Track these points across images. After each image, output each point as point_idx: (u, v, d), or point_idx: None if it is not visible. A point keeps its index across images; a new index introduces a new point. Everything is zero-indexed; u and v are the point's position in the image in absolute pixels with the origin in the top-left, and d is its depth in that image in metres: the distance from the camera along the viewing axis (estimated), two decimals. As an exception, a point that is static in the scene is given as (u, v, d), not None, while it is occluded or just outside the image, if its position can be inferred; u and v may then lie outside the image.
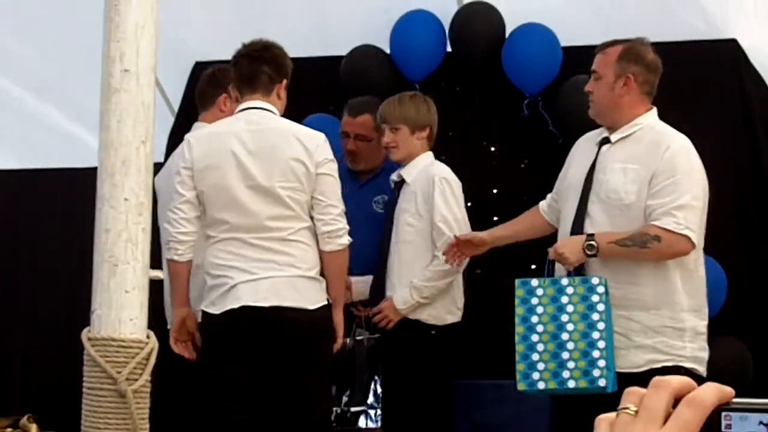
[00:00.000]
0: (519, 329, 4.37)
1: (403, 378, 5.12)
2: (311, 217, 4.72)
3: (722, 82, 5.98)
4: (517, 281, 4.45)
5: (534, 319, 4.35)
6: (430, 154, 5.31)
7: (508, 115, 6.24)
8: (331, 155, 4.75)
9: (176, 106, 6.74)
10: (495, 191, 6.25)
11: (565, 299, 4.33)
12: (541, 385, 4.30)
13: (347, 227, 4.75)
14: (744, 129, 5.92)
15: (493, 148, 6.26)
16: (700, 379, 1.03)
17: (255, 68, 4.80)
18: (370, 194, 5.68)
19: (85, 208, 4.00)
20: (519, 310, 4.39)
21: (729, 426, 1.01)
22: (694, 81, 5.96)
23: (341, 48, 6.35)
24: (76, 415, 3.56)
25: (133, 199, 3.53)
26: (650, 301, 4.41)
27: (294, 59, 5.30)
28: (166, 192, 4.98)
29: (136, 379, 3.48)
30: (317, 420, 4.71)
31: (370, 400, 5.31)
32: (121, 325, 3.49)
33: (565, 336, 4.30)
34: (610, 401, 4.11)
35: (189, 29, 6.53)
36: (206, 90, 5.30)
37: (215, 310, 4.63)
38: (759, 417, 1.01)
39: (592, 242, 4.37)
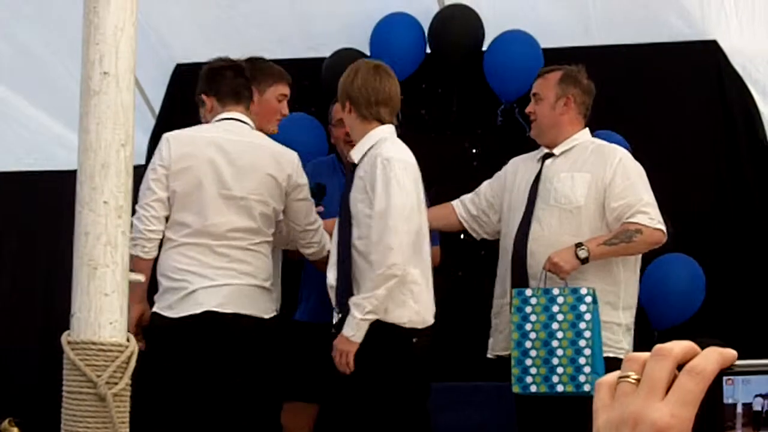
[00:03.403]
0: (514, 335, 4.63)
1: (378, 381, 4.65)
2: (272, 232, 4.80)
3: (702, 83, 5.99)
4: (513, 291, 4.69)
5: (528, 326, 4.60)
6: None
7: (487, 117, 6.25)
8: (304, 178, 4.85)
9: (157, 108, 6.72)
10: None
11: (555, 308, 4.58)
12: (533, 389, 4.57)
13: (326, 240, 4.86)
14: (723, 130, 5.94)
15: (474, 150, 6.26)
16: None
17: (240, 81, 4.84)
18: None
19: (64, 211, 3.99)
20: (514, 318, 4.63)
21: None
22: (674, 82, 5.97)
23: (323, 50, 6.34)
24: (57, 419, 3.55)
25: (112, 202, 3.51)
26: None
27: (276, 61, 5.31)
28: None
29: (116, 383, 3.46)
30: (261, 425, 4.72)
31: None
32: (100, 329, 3.47)
33: (555, 343, 4.56)
34: (567, 401, 4.26)
35: (171, 31, 6.51)
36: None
37: (173, 314, 4.61)
38: (761, 380, 0.99)
39: (582, 248, 4.66)
